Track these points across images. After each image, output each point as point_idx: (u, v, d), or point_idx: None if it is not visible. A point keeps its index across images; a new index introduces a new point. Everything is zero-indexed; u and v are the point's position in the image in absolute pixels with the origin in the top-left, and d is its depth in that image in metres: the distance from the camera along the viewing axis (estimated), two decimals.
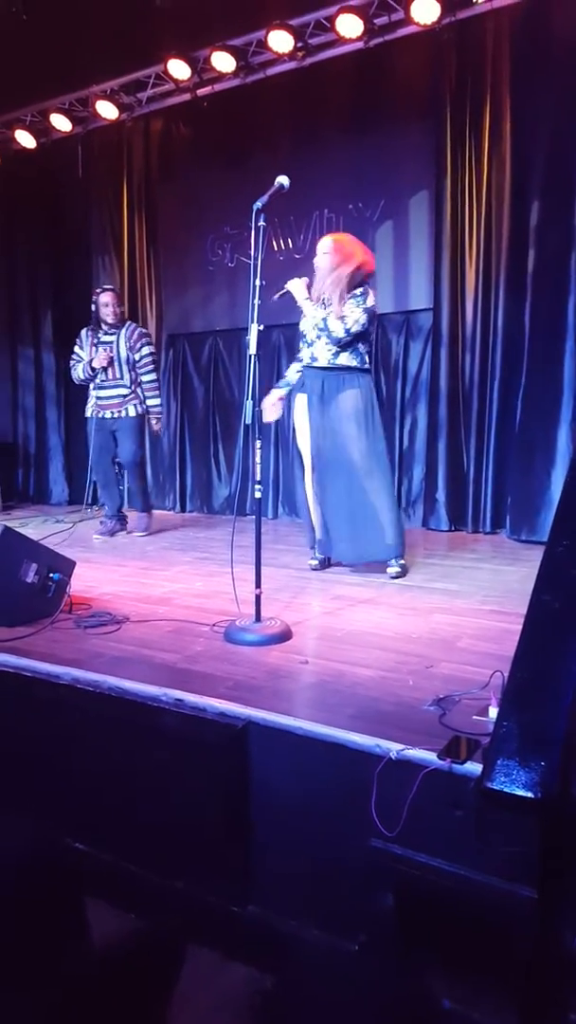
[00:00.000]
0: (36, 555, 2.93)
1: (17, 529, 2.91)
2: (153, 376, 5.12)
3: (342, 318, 3.55)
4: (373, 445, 3.63)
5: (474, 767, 1.62)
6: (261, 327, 2.66)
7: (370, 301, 3.60)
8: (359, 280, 3.64)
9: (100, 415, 5.08)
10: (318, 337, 3.65)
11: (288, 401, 3.89)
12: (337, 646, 2.61)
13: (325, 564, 3.94)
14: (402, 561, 3.70)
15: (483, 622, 2.89)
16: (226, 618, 2.84)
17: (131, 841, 2.14)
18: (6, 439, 7.28)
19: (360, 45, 5.01)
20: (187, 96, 5.78)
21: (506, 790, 1.35)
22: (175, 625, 2.90)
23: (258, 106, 5.67)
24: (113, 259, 6.74)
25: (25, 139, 6.35)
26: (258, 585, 2.72)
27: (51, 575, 2.95)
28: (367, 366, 3.72)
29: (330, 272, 3.62)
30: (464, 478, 5.13)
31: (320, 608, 3.13)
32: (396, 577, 3.64)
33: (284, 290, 3.68)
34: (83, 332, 5.15)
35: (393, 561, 3.68)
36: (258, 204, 2.66)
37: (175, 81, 5.62)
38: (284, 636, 2.67)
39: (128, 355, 5.01)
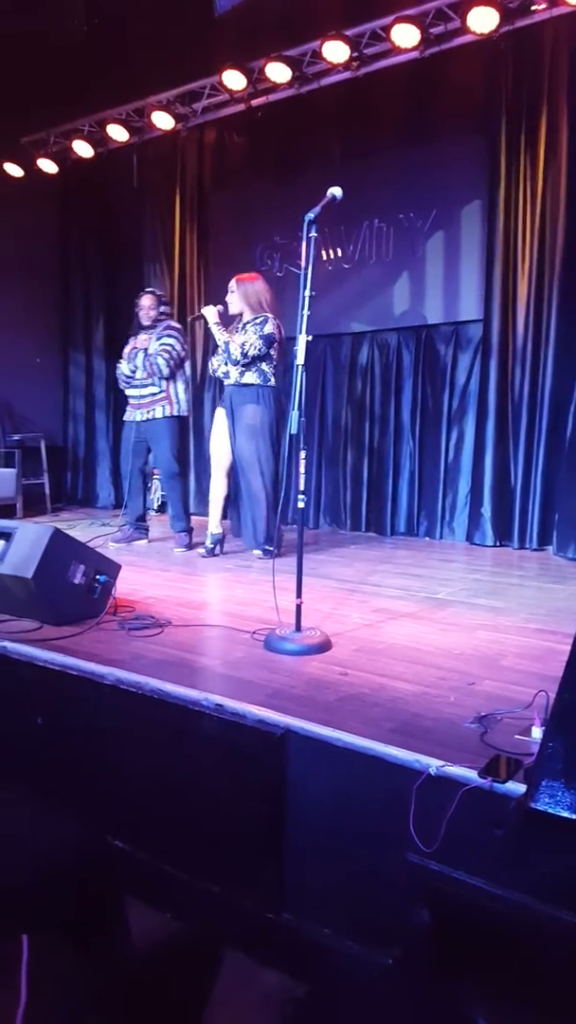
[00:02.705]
0: (84, 557, 2.98)
1: (65, 531, 2.98)
2: (163, 358, 4.73)
3: (241, 344, 4.22)
4: (264, 452, 4.33)
5: (515, 787, 1.60)
6: (310, 338, 2.66)
7: (267, 328, 4.25)
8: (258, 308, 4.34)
9: (131, 417, 4.92)
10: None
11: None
12: (377, 659, 2.60)
13: (213, 552, 4.57)
14: (267, 547, 4.33)
15: (527, 640, 2.85)
16: (266, 626, 2.85)
17: (168, 842, 2.16)
18: (56, 443, 7.43)
19: (415, 55, 5.00)
20: (241, 106, 5.84)
21: (550, 811, 1.34)
22: (216, 631, 2.93)
23: (311, 116, 5.70)
24: (164, 267, 6.86)
25: (82, 149, 6.50)
26: (299, 595, 2.72)
27: (97, 577, 3.01)
28: (271, 383, 4.36)
29: (237, 304, 4.36)
30: (511, 493, 5.06)
31: (360, 620, 3.13)
32: (261, 557, 4.36)
33: (198, 314, 4.35)
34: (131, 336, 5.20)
35: (259, 549, 4.41)
36: (310, 215, 2.65)
37: (230, 92, 5.68)
38: (324, 647, 2.67)
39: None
